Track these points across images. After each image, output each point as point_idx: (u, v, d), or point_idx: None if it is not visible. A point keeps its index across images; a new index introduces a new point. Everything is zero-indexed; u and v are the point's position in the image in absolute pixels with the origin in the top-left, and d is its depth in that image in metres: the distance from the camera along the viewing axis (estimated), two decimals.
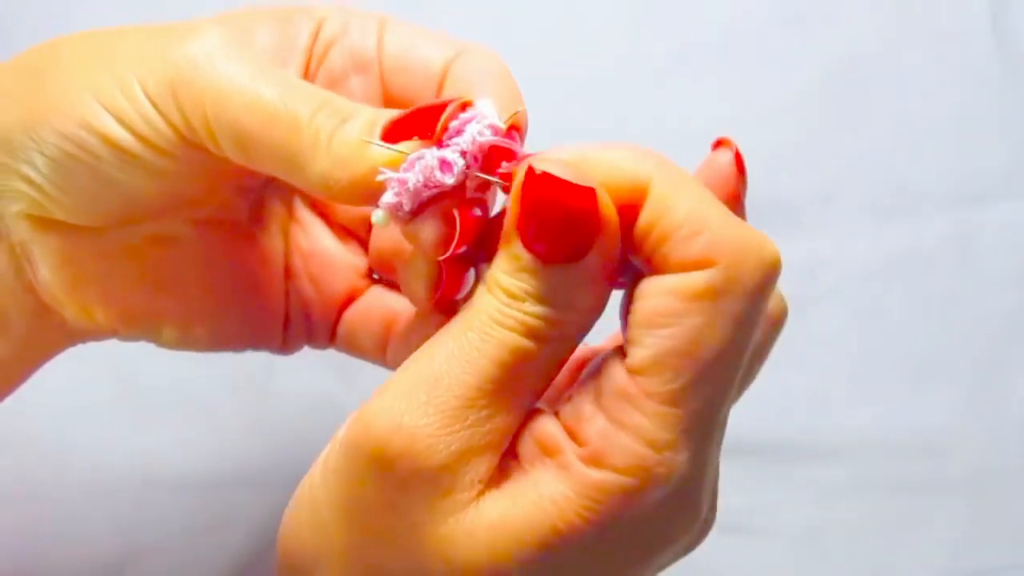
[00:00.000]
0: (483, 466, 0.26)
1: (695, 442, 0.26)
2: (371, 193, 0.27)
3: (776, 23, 0.52)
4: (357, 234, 0.35)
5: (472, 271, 0.29)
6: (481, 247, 0.28)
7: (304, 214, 0.35)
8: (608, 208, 0.25)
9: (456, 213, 0.27)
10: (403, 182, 0.26)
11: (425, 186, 0.27)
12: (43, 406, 0.46)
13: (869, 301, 0.50)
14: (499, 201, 0.29)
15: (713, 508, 0.29)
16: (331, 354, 0.44)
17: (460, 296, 0.29)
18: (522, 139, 0.28)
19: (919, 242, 0.51)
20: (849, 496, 0.48)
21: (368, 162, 0.26)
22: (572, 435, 0.26)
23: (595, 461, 0.25)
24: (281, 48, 0.30)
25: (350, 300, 0.35)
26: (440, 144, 0.27)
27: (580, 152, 0.26)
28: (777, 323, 0.29)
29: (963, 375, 0.50)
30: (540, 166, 0.25)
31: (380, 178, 0.26)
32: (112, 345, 0.35)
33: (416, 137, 0.26)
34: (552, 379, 0.27)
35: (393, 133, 0.27)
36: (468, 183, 0.27)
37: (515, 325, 0.26)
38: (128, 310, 0.32)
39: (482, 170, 0.27)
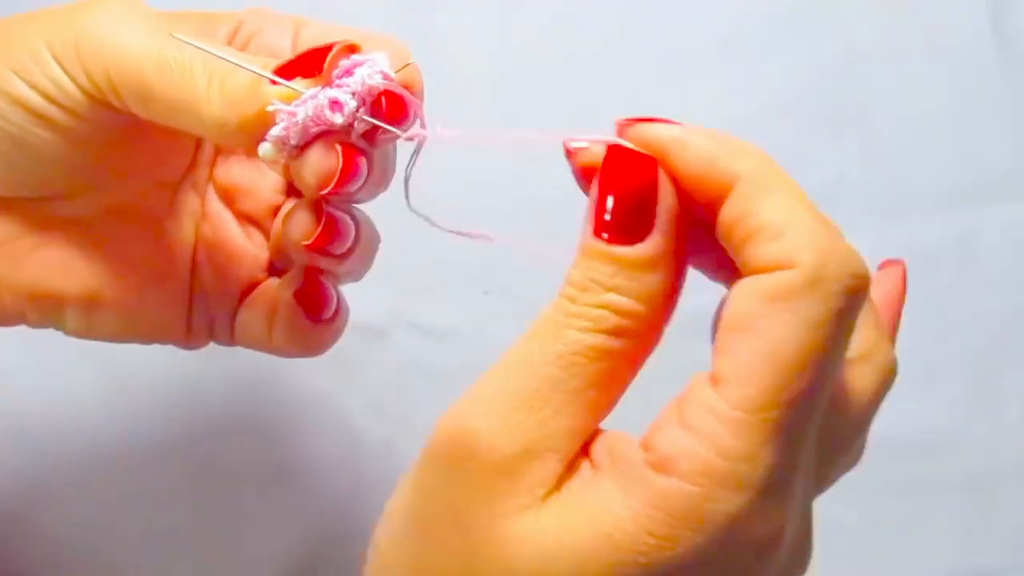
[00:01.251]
0: (546, 470, 0.25)
1: (773, 456, 0.23)
2: (260, 133, 0.28)
3: (776, 23, 0.52)
4: (263, 225, 0.35)
5: (353, 228, 0.30)
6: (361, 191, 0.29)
7: (214, 206, 0.35)
8: (667, 186, 0.25)
9: (339, 148, 0.28)
10: (292, 114, 0.28)
11: (314, 122, 0.28)
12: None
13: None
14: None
15: (800, 552, 0.26)
16: (329, 352, 0.44)
17: (336, 249, 0.30)
18: (419, 98, 0.29)
19: (919, 242, 0.51)
20: (849, 496, 0.48)
21: (260, 102, 0.28)
22: (645, 445, 0.25)
23: (662, 467, 0.24)
24: (201, 33, 0.31)
25: (248, 293, 0.35)
26: (330, 83, 0.28)
27: (680, 133, 0.27)
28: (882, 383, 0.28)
29: (963, 375, 0.50)
30: (620, 139, 0.25)
31: (271, 108, 0.27)
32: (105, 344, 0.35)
33: (304, 75, 0.28)
34: (626, 380, 0.26)
35: (282, 75, 0.28)
36: (356, 126, 0.28)
37: (579, 320, 0.25)
38: (34, 291, 0.32)
39: (371, 116, 0.28)
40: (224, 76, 0.28)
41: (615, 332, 0.25)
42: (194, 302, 0.35)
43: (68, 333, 0.33)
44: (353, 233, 0.31)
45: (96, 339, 0.34)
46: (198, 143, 0.35)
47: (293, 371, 0.48)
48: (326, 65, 0.28)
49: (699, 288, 0.51)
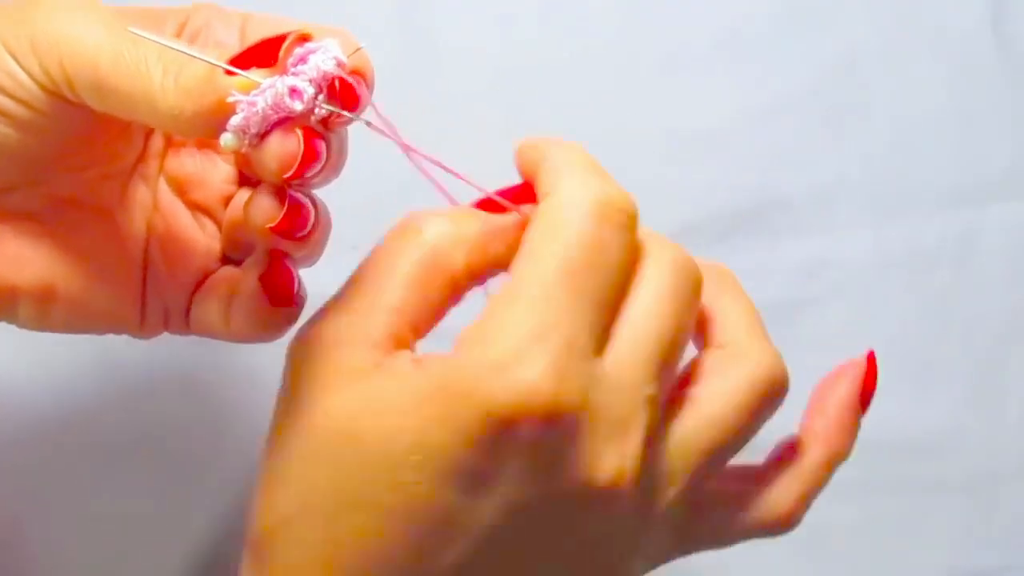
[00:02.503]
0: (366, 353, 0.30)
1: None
2: (218, 122, 0.29)
3: (776, 23, 0.52)
4: (215, 215, 0.36)
5: (313, 211, 0.31)
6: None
7: (165, 197, 0.36)
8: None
9: (300, 133, 0.29)
10: (252, 104, 0.28)
11: (274, 110, 0.29)
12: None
13: (869, 301, 0.50)
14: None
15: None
16: None
17: (298, 232, 0.31)
18: (368, 85, 0.30)
19: (919, 242, 0.51)
20: (849, 496, 0.48)
21: (215, 92, 0.28)
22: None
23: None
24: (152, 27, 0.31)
25: (202, 283, 0.36)
26: (285, 72, 0.29)
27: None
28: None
29: (963, 375, 0.50)
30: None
31: (231, 99, 0.28)
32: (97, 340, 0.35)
33: (259, 65, 0.29)
34: (437, 304, 0.33)
35: (237, 65, 0.29)
36: (316, 112, 0.29)
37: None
38: None
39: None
40: (179, 68, 0.29)
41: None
42: (147, 292, 0.35)
43: (19, 325, 0.33)
44: (313, 216, 0.31)
45: (47, 331, 0.34)
46: (148, 135, 0.35)
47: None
48: (281, 54, 0.29)
49: None
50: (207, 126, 0.29)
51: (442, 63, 0.50)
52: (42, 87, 0.29)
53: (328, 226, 0.33)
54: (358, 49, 0.30)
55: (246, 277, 0.33)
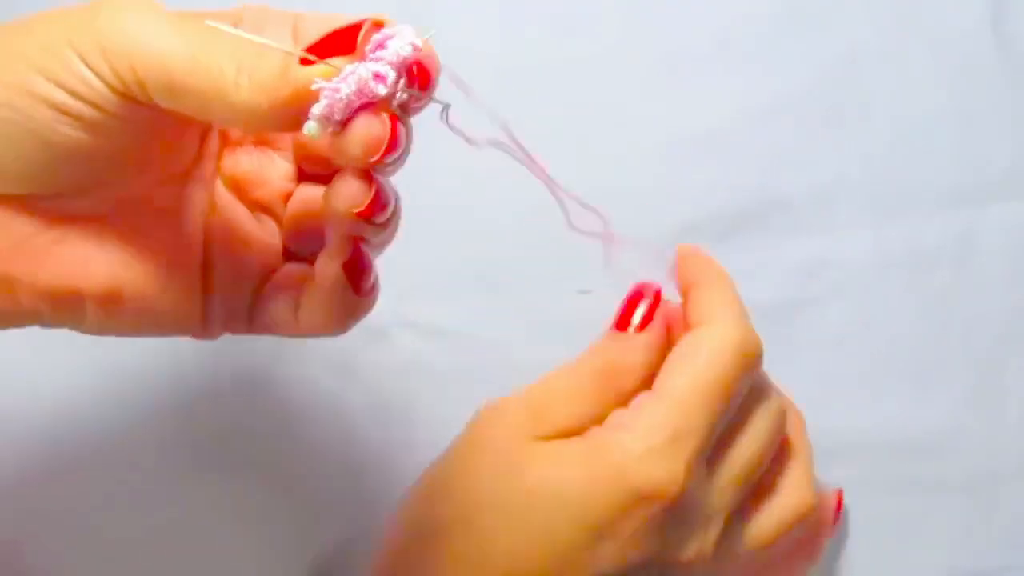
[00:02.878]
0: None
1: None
2: (296, 113, 0.29)
3: (776, 23, 0.52)
4: (275, 213, 0.36)
5: (393, 196, 0.32)
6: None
7: (224, 197, 0.36)
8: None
9: (387, 117, 0.29)
10: (336, 91, 0.28)
11: (357, 96, 0.29)
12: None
13: (869, 301, 0.50)
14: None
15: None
16: (330, 352, 0.44)
17: (380, 218, 0.31)
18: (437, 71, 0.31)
19: (919, 242, 0.51)
20: (849, 496, 0.48)
21: (291, 84, 0.29)
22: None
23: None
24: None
25: (265, 281, 0.36)
26: (364, 58, 0.29)
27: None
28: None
29: (963, 375, 0.50)
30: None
31: (315, 87, 0.28)
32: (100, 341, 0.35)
33: (335, 55, 0.29)
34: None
35: (316, 53, 0.29)
36: (397, 96, 0.29)
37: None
38: (53, 290, 0.32)
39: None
40: (253, 63, 0.29)
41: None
42: (210, 293, 0.35)
43: (83, 330, 0.34)
44: (394, 201, 0.32)
45: (112, 335, 0.34)
46: (203, 137, 0.35)
47: (292, 371, 0.48)
48: (359, 41, 0.29)
49: None
50: (285, 118, 0.29)
51: (442, 63, 0.50)
52: (113, 90, 0.30)
53: (400, 213, 0.33)
54: (432, 34, 0.30)
55: (325, 268, 0.33)
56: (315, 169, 0.37)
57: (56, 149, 0.30)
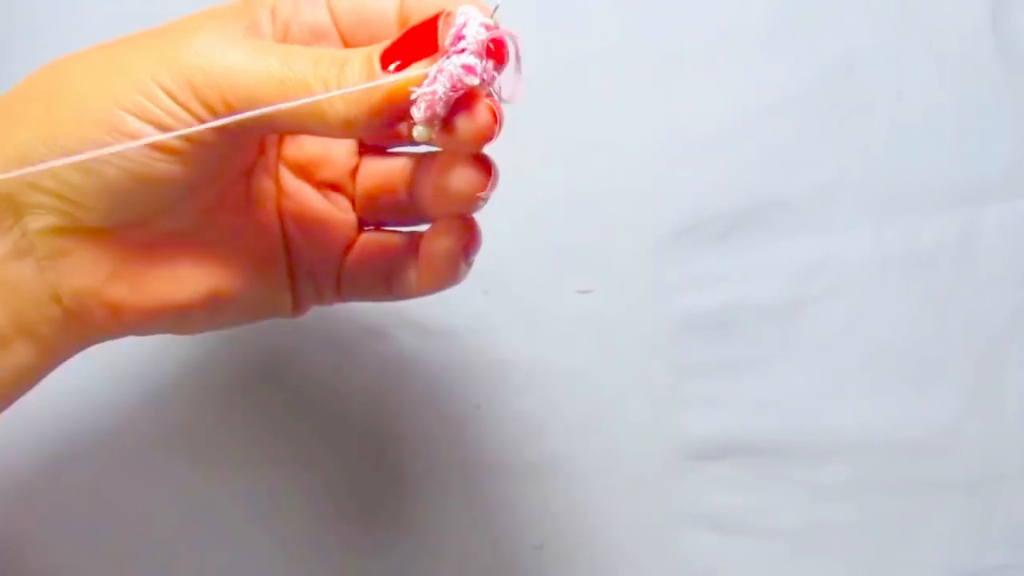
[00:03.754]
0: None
1: None
2: (389, 118, 0.30)
3: (776, 23, 0.52)
4: (343, 188, 0.37)
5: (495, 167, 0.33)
6: None
7: (291, 183, 0.37)
8: None
9: (489, 103, 0.31)
10: (434, 93, 0.30)
11: (453, 90, 0.30)
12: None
13: (869, 301, 0.50)
14: None
15: None
16: (329, 352, 0.44)
17: (490, 196, 0.33)
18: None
19: (919, 242, 0.51)
20: (849, 496, 0.48)
21: (380, 92, 0.30)
22: None
23: None
24: (252, 32, 0.33)
25: (346, 254, 0.37)
26: (446, 53, 0.30)
27: None
28: None
29: (963, 375, 0.50)
30: None
31: (413, 96, 0.30)
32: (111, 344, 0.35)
33: (414, 54, 0.30)
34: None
35: (388, 59, 0.30)
36: (487, 82, 0.31)
37: None
38: (158, 307, 0.34)
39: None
40: (336, 79, 0.30)
41: None
42: (296, 274, 0.37)
43: (186, 333, 0.36)
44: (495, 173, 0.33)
45: (210, 330, 0.36)
46: None
47: (290, 369, 0.48)
48: (440, 37, 0.30)
49: (697, 288, 0.51)
50: (380, 124, 0.30)
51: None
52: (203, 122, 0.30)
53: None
54: (496, 7, 0.31)
55: (435, 245, 0.35)
56: (376, 141, 0.38)
57: (148, 184, 0.31)
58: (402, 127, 0.34)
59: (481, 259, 0.50)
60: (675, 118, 0.51)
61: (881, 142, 0.52)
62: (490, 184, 0.33)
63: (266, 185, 0.36)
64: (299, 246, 0.37)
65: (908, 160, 0.52)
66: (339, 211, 0.37)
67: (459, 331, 0.50)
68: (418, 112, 0.30)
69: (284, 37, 0.33)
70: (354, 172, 0.37)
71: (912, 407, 0.50)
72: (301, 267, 0.37)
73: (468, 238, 0.35)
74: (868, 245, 0.51)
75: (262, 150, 0.36)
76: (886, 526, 0.49)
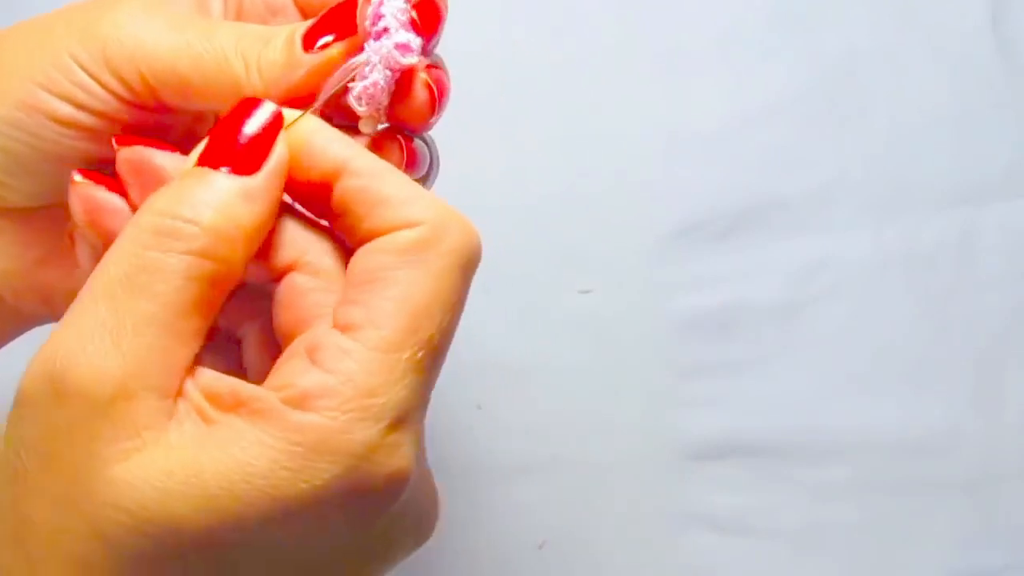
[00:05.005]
0: (148, 408, 0.24)
1: (405, 391, 0.25)
2: (308, 96, 0.29)
3: (775, 23, 0.52)
4: None
5: (427, 150, 0.32)
6: None
7: None
8: (282, 144, 0.28)
9: (425, 80, 0.30)
10: (375, 85, 0.29)
11: (393, 75, 0.29)
12: None
13: (869, 301, 0.50)
14: None
15: (426, 505, 0.29)
16: None
17: (416, 173, 0.31)
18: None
19: (919, 242, 0.51)
20: (849, 496, 0.48)
21: (297, 71, 0.29)
22: (276, 387, 0.25)
23: (299, 404, 0.25)
24: (200, 9, 0.32)
25: None
26: (368, 33, 0.29)
27: (302, 115, 0.28)
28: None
29: (963, 375, 0.50)
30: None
31: (353, 96, 0.29)
32: None
33: (335, 34, 0.29)
34: (214, 312, 0.27)
35: (311, 38, 0.29)
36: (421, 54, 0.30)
37: (168, 240, 0.25)
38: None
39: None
40: (257, 56, 0.29)
41: (207, 254, 0.26)
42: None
43: None
44: (428, 156, 0.32)
45: None
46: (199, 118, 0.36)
47: None
48: (359, 17, 0.29)
49: (697, 288, 0.51)
50: (298, 102, 0.29)
51: None
52: (118, 97, 0.30)
53: (439, 163, 0.33)
54: None
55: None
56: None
57: (66, 161, 0.30)
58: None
59: (482, 258, 0.50)
60: (675, 118, 0.51)
61: (881, 142, 0.52)
62: (412, 164, 0.31)
63: None
64: None
65: (908, 160, 0.51)
66: None
67: (459, 331, 0.49)
68: (360, 107, 0.29)
69: (238, 14, 0.32)
70: None
71: (912, 407, 0.50)
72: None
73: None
74: (868, 245, 0.51)
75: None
76: (886, 526, 0.49)
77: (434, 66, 0.30)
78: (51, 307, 0.33)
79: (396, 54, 0.29)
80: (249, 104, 0.28)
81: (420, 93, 0.30)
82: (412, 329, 0.26)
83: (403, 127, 0.30)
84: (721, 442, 0.49)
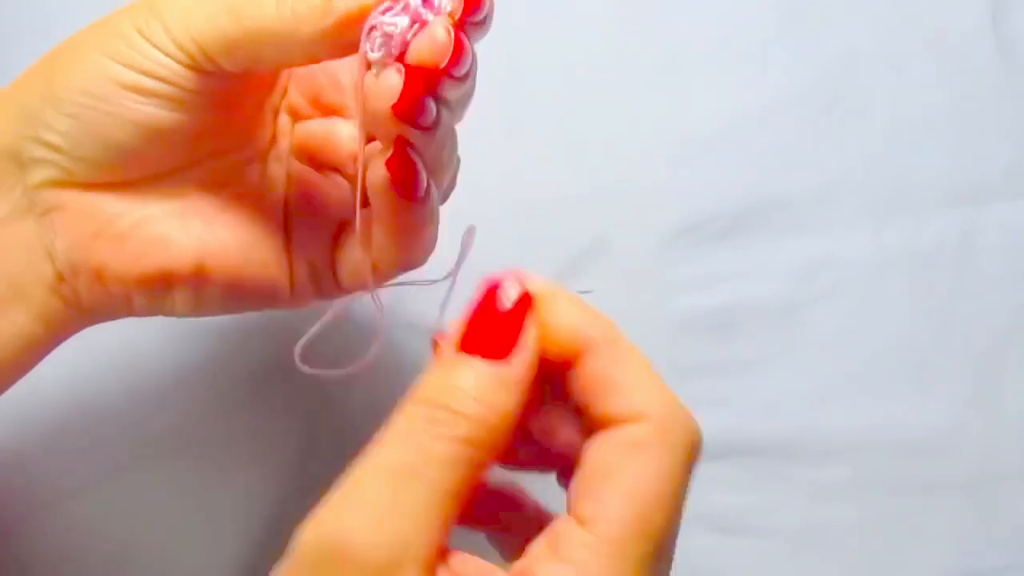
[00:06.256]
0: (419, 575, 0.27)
1: None
2: (344, 42, 0.30)
3: (775, 23, 0.52)
4: (344, 172, 0.37)
5: (434, 105, 0.31)
6: None
7: (296, 166, 0.37)
8: (533, 327, 0.29)
9: (449, 27, 0.30)
10: (392, 25, 0.30)
11: (411, 24, 0.30)
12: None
13: (869, 301, 0.50)
14: None
15: None
16: (330, 352, 0.44)
17: (423, 121, 0.31)
18: None
19: (919, 242, 0.51)
20: (849, 496, 0.48)
21: (334, 14, 0.30)
22: (522, 575, 0.27)
23: None
24: None
25: (341, 232, 0.37)
26: None
27: (552, 289, 0.30)
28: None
29: (963, 375, 0.50)
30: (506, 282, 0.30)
31: (372, 36, 0.30)
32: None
33: None
34: (471, 496, 0.28)
35: None
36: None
37: (436, 427, 0.28)
38: (141, 274, 0.34)
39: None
40: (293, 3, 0.30)
41: (470, 442, 0.28)
42: (293, 257, 0.37)
43: (177, 313, 0.35)
44: (434, 111, 0.32)
45: (204, 315, 0.36)
46: (276, 117, 0.37)
47: (291, 369, 0.48)
48: None
49: (697, 288, 0.51)
50: (335, 47, 0.31)
51: None
52: (181, 63, 0.31)
53: (455, 138, 0.34)
54: None
55: (376, 168, 0.33)
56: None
57: (137, 130, 0.32)
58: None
59: (481, 259, 0.50)
60: (675, 118, 0.51)
61: (881, 142, 0.52)
62: (411, 103, 0.31)
63: (275, 170, 0.37)
64: (296, 225, 0.37)
65: (908, 160, 0.52)
66: (334, 188, 0.37)
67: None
68: (374, 55, 0.30)
69: None
70: (355, 156, 0.37)
71: (912, 407, 0.50)
72: (299, 249, 0.37)
73: (397, 167, 0.33)
74: (868, 245, 0.51)
75: (274, 137, 0.37)
76: (886, 526, 0.49)
77: (462, 30, 0.30)
78: (105, 289, 0.34)
79: (420, 5, 0.30)
80: (498, 286, 0.30)
81: (439, 32, 0.30)
82: (641, 523, 0.27)
83: (422, 75, 0.31)
84: (721, 442, 0.49)
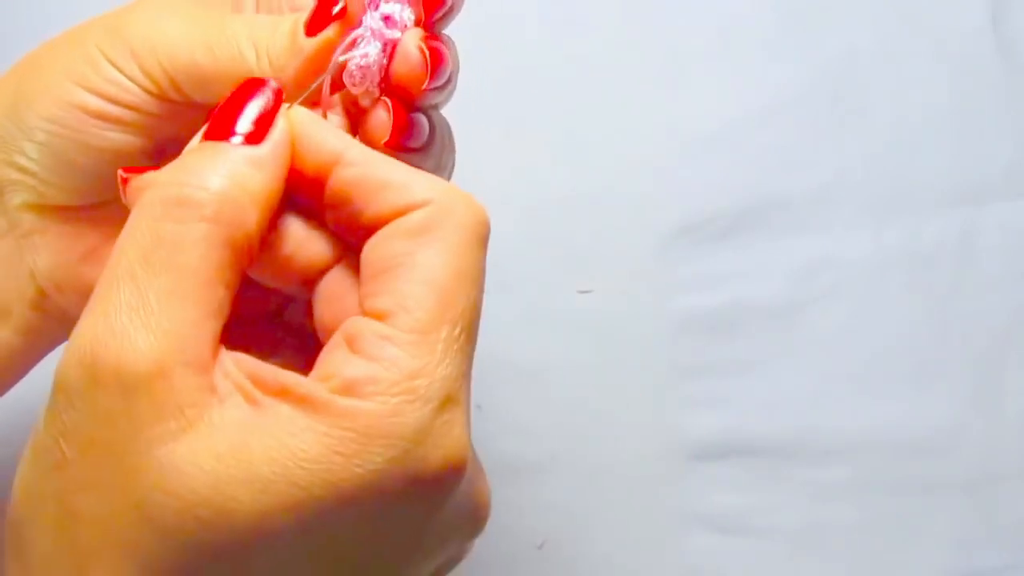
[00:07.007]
0: (186, 386, 0.24)
1: (447, 368, 0.25)
2: (314, 75, 0.30)
3: (776, 23, 0.52)
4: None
5: (425, 122, 0.31)
6: None
7: None
8: (284, 118, 0.28)
9: (423, 45, 0.30)
10: (365, 57, 0.29)
11: (384, 50, 0.30)
12: None
13: (869, 301, 0.50)
14: None
15: (483, 478, 0.28)
16: None
17: (414, 142, 0.31)
18: None
19: (919, 242, 0.51)
20: (849, 496, 0.48)
21: (300, 56, 0.30)
22: (322, 377, 0.25)
23: (347, 391, 0.25)
24: (235, 6, 0.33)
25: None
26: (363, 10, 0.30)
27: (303, 109, 0.29)
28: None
29: (963, 375, 0.50)
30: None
31: (349, 71, 0.29)
32: None
33: (335, 22, 0.30)
34: (236, 283, 0.26)
35: (314, 24, 0.30)
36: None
37: (185, 209, 0.26)
38: None
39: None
40: (267, 44, 0.30)
41: (219, 220, 0.26)
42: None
43: None
44: (427, 129, 0.31)
45: None
46: None
47: None
48: (349, 5, 0.30)
49: (697, 288, 0.51)
50: (308, 82, 0.30)
51: None
52: (145, 90, 0.31)
53: (451, 144, 0.33)
54: None
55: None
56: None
57: (103, 156, 0.31)
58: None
59: None
60: (675, 118, 0.51)
61: (881, 142, 0.52)
62: (401, 135, 0.31)
63: None
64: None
65: (908, 160, 0.52)
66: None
67: None
68: (353, 84, 0.30)
69: (260, 6, 0.33)
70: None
71: (912, 407, 0.50)
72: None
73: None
74: (868, 245, 0.51)
75: None
76: (886, 526, 0.49)
77: (433, 37, 0.31)
78: None
79: (381, 26, 0.29)
80: (250, 83, 0.28)
81: (412, 53, 0.30)
82: (443, 307, 0.26)
83: (402, 96, 0.31)
84: (721, 442, 0.49)
